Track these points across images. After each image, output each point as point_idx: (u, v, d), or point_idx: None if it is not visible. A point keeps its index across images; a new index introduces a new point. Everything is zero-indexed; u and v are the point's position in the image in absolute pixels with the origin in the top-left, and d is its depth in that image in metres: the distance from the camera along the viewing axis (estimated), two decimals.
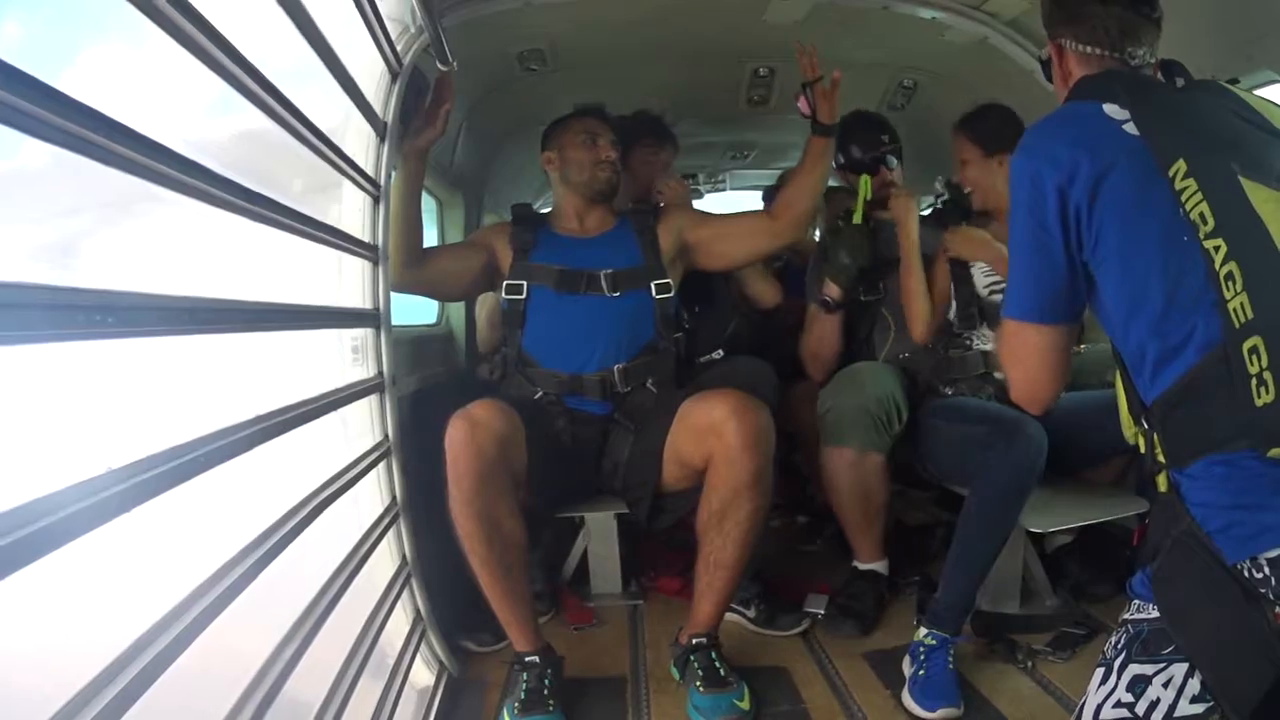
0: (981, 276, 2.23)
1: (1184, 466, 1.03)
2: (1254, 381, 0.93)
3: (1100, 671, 1.11)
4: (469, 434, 1.76)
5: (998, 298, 2.17)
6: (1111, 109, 1.13)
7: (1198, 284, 1.00)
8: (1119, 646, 1.10)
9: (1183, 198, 1.01)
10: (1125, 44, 1.22)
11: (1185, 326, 1.03)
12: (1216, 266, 0.97)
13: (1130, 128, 1.10)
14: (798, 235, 2.34)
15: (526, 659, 1.83)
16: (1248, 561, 0.96)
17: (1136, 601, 1.11)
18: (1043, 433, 1.89)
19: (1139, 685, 1.05)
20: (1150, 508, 1.14)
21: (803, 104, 2.17)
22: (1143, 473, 1.14)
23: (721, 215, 2.40)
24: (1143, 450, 1.12)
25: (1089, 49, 1.24)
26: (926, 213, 2.70)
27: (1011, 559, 2.10)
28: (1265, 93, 1.67)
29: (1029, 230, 1.16)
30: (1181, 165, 1.02)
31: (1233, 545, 0.97)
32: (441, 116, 1.99)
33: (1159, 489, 1.10)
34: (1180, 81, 1.19)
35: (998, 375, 2.16)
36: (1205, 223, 0.99)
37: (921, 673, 1.79)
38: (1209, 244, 0.98)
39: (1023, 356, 1.25)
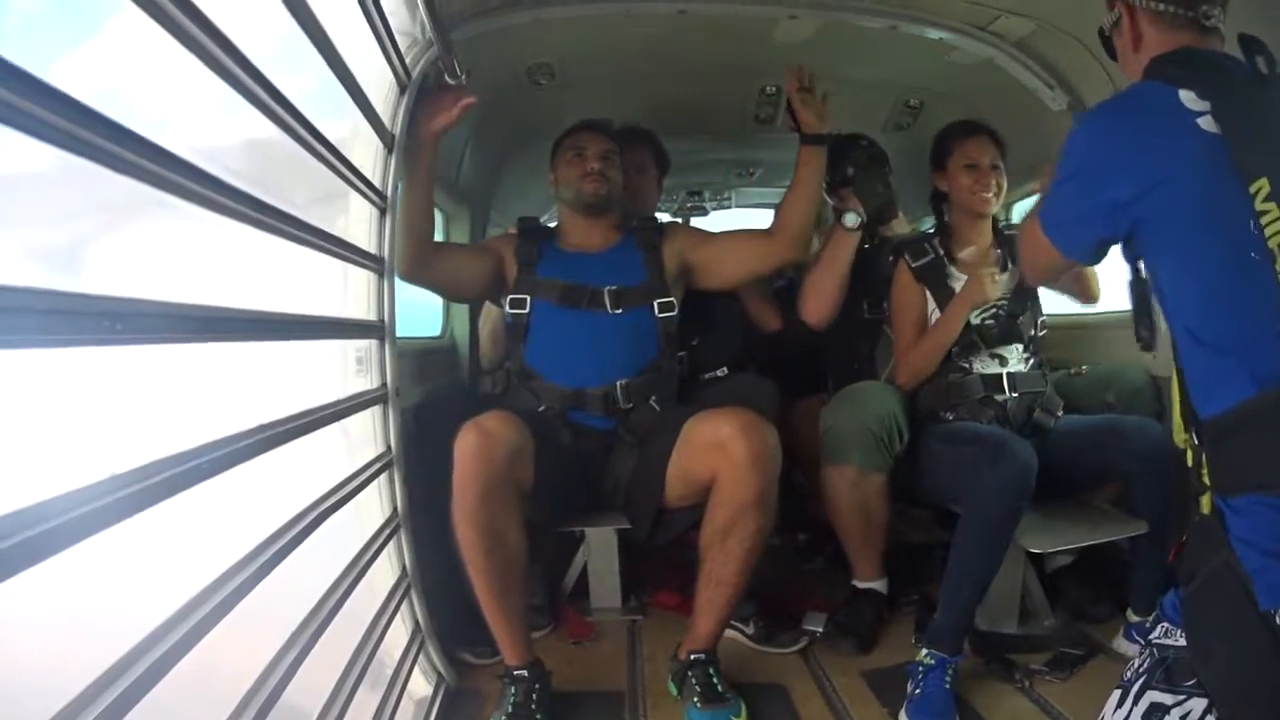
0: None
1: (1229, 496, 0.99)
2: None
3: (1117, 694, 1.08)
4: (480, 444, 1.75)
5: (991, 322, 2.17)
6: (1188, 97, 1.05)
7: (1264, 312, 0.96)
8: (1141, 670, 1.06)
9: (1264, 220, 0.96)
10: (1200, 2, 1.14)
11: (1244, 352, 0.98)
12: None
13: (1207, 122, 1.03)
14: (797, 253, 2.23)
15: (515, 673, 1.82)
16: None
17: (1164, 625, 1.07)
18: (1030, 451, 1.89)
19: (1155, 714, 1.02)
20: (1189, 528, 1.08)
21: (786, 117, 2.16)
22: (1187, 486, 1.09)
23: (723, 234, 2.35)
24: (1189, 463, 1.08)
25: (1162, 6, 1.15)
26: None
27: (1010, 579, 2.10)
28: None
29: (1077, 200, 1.15)
30: (1265, 185, 0.97)
31: (1267, 591, 0.93)
32: (460, 107, 1.94)
33: (1201, 509, 1.05)
34: (1261, 63, 1.09)
35: (998, 398, 2.16)
36: None
37: (918, 692, 1.78)
38: None
39: (1032, 256, 1.37)
